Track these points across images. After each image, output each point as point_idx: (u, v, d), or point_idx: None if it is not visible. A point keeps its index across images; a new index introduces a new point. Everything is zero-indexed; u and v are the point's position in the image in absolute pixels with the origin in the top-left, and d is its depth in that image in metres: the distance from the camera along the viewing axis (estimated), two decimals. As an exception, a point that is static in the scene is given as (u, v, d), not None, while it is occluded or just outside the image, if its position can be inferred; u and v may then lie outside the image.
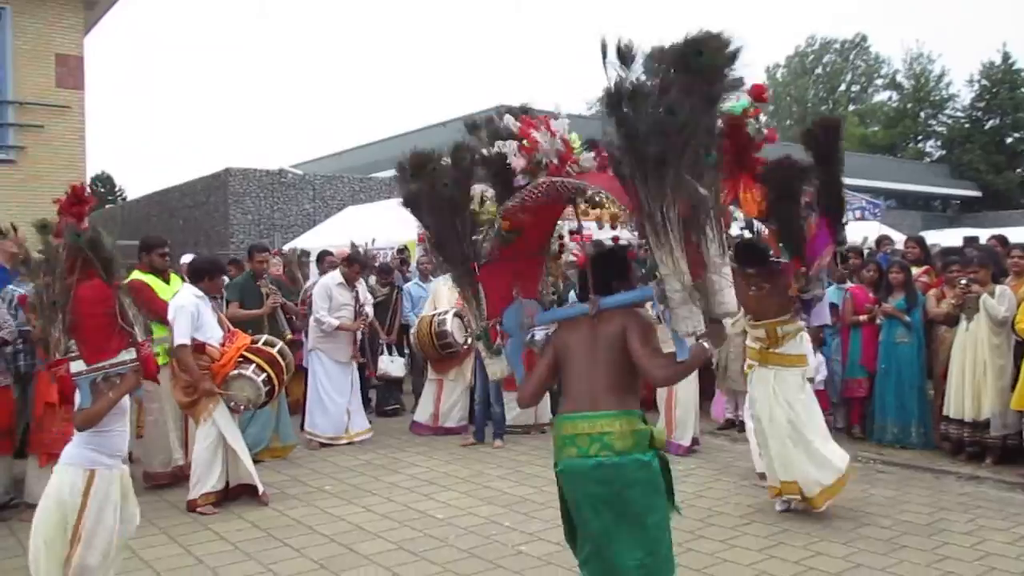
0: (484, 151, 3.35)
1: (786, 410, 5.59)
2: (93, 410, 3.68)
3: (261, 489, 6.08)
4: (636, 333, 3.11)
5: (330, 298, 8.09)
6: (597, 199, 3.50)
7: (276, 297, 7.82)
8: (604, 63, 2.84)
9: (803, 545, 5.06)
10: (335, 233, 13.69)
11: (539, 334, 3.55)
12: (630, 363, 3.12)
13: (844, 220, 5.53)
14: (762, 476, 6.19)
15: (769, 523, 5.49)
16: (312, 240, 14.00)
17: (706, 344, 2.99)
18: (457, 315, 8.04)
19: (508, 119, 3.30)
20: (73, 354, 3.73)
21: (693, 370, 3.18)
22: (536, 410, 8.44)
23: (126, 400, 3.87)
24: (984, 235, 12.89)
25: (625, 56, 2.81)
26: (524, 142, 3.24)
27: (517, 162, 3.24)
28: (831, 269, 5.86)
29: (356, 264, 8.46)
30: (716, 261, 2.93)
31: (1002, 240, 9.14)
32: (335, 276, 8.30)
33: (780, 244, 5.35)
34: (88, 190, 4.16)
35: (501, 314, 3.51)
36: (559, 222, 3.94)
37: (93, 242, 3.77)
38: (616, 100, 2.82)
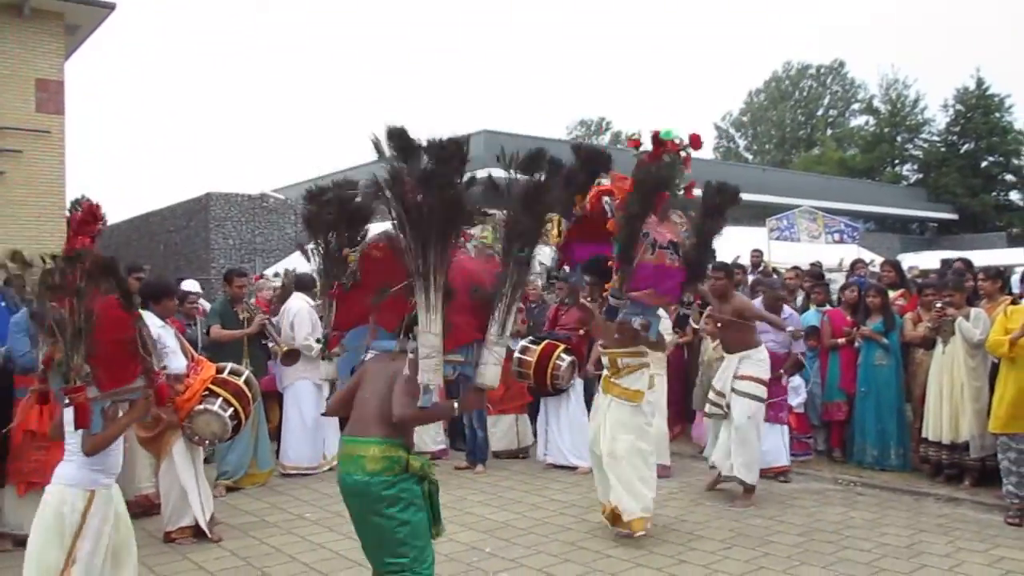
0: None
1: (608, 441, 5.67)
2: (103, 436, 3.70)
3: (206, 529, 5.85)
4: (403, 378, 3.42)
5: (313, 323, 8.06)
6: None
7: (262, 316, 7.77)
8: (380, 155, 3.47)
9: (783, 569, 5.07)
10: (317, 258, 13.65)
11: (369, 356, 3.91)
12: None
13: (694, 286, 5.70)
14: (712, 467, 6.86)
15: (750, 547, 5.50)
16: (294, 265, 13.98)
17: (455, 404, 3.61)
18: (572, 358, 7.81)
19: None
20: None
21: (428, 420, 3.71)
22: (518, 435, 8.44)
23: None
24: (961, 257, 13.07)
25: (405, 149, 3.41)
26: None
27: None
28: (669, 310, 6.03)
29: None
30: (491, 339, 3.50)
31: (967, 264, 9.28)
32: (308, 299, 8.25)
33: (614, 239, 5.14)
34: (100, 208, 4.04)
35: (348, 330, 3.95)
36: None
37: (110, 268, 3.76)
38: (394, 186, 3.36)
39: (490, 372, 3.51)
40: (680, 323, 6.30)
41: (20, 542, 5.09)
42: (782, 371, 7.39)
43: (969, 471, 6.83)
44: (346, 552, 5.57)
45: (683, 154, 5.20)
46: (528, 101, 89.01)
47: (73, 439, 3.71)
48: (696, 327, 8.44)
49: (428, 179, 3.29)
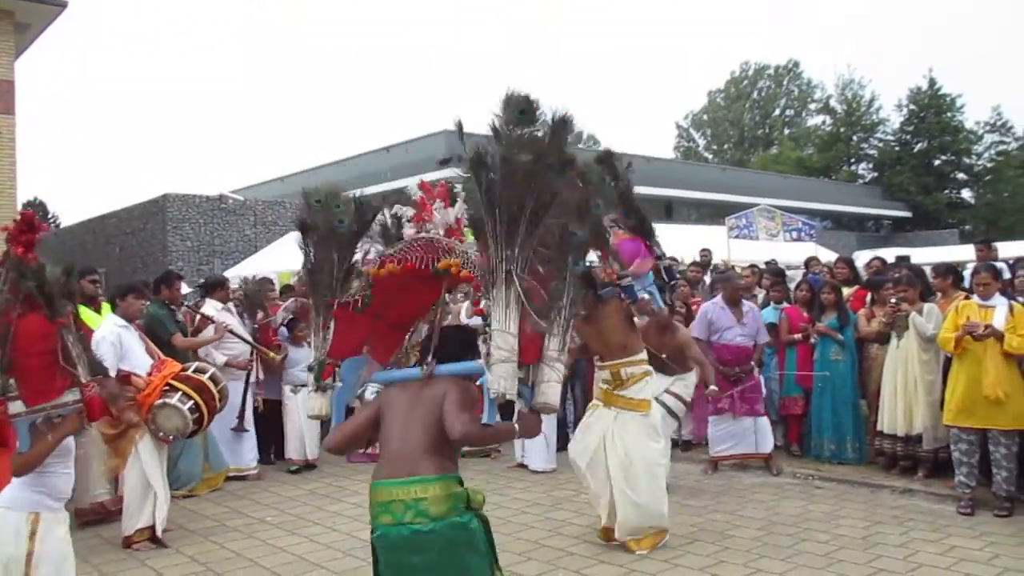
0: (385, 211, 3.55)
1: (620, 456, 5.40)
2: (32, 453, 3.45)
3: (160, 534, 5.80)
4: (455, 395, 3.03)
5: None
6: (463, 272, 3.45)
7: (223, 325, 7.61)
8: (461, 137, 3.01)
9: (743, 563, 5.13)
10: (277, 259, 13.53)
11: (370, 391, 3.57)
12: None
13: (655, 242, 5.65)
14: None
15: (711, 541, 5.57)
16: (254, 266, 13.82)
17: (516, 427, 3.09)
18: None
19: (412, 188, 3.58)
20: (12, 394, 3.47)
21: (492, 440, 3.37)
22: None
23: (70, 440, 3.66)
24: (915, 254, 13.37)
25: (497, 130, 2.93)
26: (419, 212, 3.49)
27: (408, 231, 3.49)
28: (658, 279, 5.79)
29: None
30: (552, 355, 3.04)
31: (903, 260, 9.64)
32: (218, 303, 8.11)
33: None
34: (38, 217, 3.81)
35: (342, 359, 3.52)
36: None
37: (37, 275, 3.52)
38: (479, 164, 2.93)
39: (552, 391, 3.05)
40: (668, 273, 6.15)
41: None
42: (752, 363, 7.51)
43: (923, 463, 6.98)
44: (307, 555, 5.53)
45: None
46: (489, 100, 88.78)
47: None
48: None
49: (539, 159, 2.90)
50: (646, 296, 5.46)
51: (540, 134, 2.93)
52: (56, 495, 3.60)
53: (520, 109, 2.91)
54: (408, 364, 3.57)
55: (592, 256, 5.03)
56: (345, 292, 3.44)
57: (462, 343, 3.34)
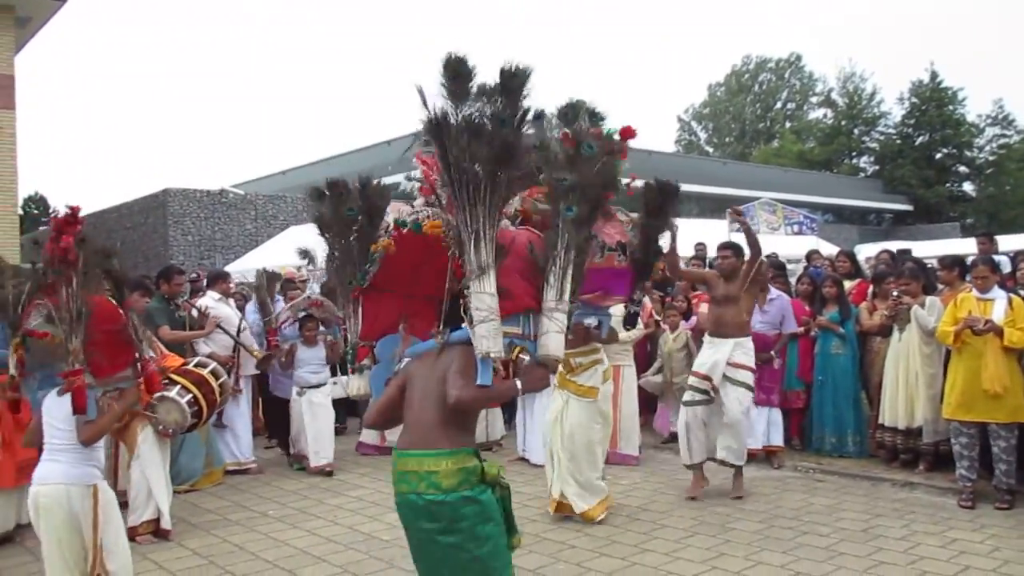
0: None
1: (566, 439, 5.96)
2: (99, 423, 3.76)
3: (167, 527, 5.83)
4: (457, 363, 3.07)
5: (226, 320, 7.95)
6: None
7: (214, 319, 7.60)
8: (423, 101, 2.97)
9: (744, 555, 5.15)
10: (278, 254, 13.54)
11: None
12: None
13: (643, 284, 5.38)
14: (689, 467, 6.65)
15: (712, 535, 5.58)
16: (255, 261, 13.83)
17: (518, 383, 3.11)
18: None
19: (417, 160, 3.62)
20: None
21: (493, 400, 3.40)
22: (487, 427, 8.46)
23: None
24: (916, 247, 13.36)
25: (452, 90, 2.94)
26: (424, 184, 3.53)
27: (418, 201, 3.56)
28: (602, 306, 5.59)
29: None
30: (549, 305, 3.08)
31: (895, 254, 9.67)
32: (216, 295, 8.08)
33: None
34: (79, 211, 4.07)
35: (377, 339, 3.65)
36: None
37: (105, 261, 3.94)
38: (435, 128, 2.95)
39: (553, 341, 3.08)
40: (630, 321, 6.25)
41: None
42: (772, 352, 7.50)
43: (924, 456, 6.98)
44: (309, 548, 5.54)
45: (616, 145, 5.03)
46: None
47: (59, 438, 3.72)
48: (658, 319, 8.53)
49: (482, 116, 2.92)
50: (591, 321, 5.29)
51: (493, 91, 2.95)
52: (101, 466, 3.91)
53: (454, 72, 2.93)
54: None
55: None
56: (364, 277, 3.53)
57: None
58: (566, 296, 3.12)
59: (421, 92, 2.96)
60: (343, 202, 3.61)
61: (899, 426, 7.07)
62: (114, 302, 3.97)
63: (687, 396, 6.58)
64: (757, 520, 5.89)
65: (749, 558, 5.10)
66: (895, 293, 7.15)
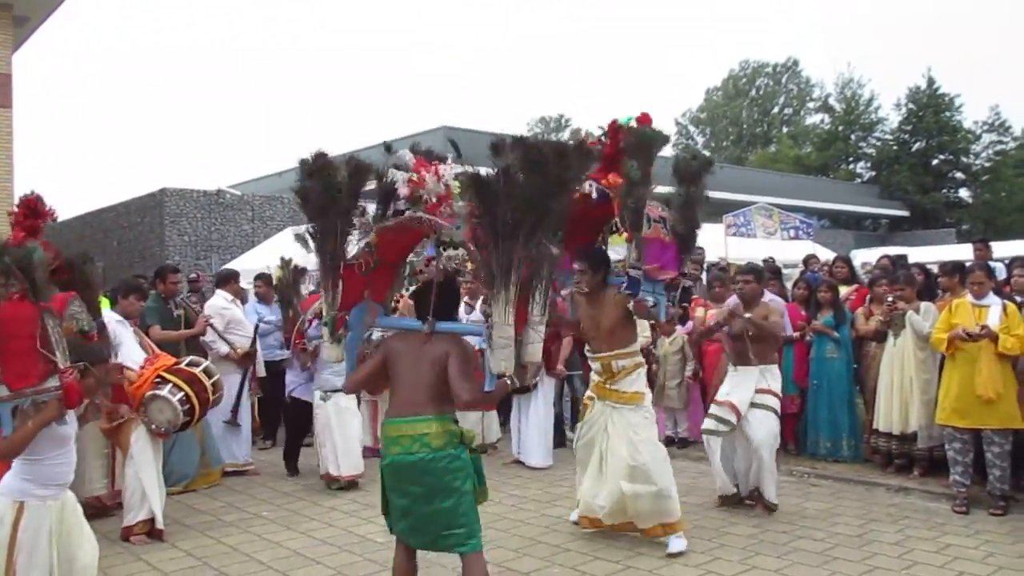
0: (380, 173, 3.95)
1: (628, 453, 5.33)
2: (14, 439, 3.47)
3: (160, 528, 5.80)
4: (457, 360, 3.71)
5: (228, 322, 7.95)
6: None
7: (203, 319, 7.57)
8: (458, 153, 3.88)
9: (739, 560, 5.15)
10: (275, 254, 13.50)
11: (376, 335, 4.17)
12: (447, 380, 3.70)
13: (687, 258, 5.56)
14: (722, 499, 6.36)
15: (706, 539, 5.58)
16: (251, 261, 13.80)
17: (511, 382, 3.68)
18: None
19: (406, 155, 3.93)
20: None
21: (495, 400, 4.09)
22: (484, 430, 8.46)
23: (71, 428, 3.69)
24: (913, 253, 13.38)
25: (496, 148, 3.56)
26: (414, 177, 3.83)
27: (403, 190, 3.84)
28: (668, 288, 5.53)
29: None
30: (534, 319, 3.70)
31: (896, 259, 9.70)
32: (228, 295, 8.14)
33: (621, 212, 5.04)
34: (42, 203, 3.92)
35: (350, 309, 4.07)
36: None
37: (23, 259, 3.56)
38: (481, 184, 3.51)
39: (535, 349, 3.71)
40: (684, 297, 5.98)
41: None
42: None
43: (918, 461, 6.99)
44: (303, 550, 5.54)
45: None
46: (487, 97, 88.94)
47: None
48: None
49: (542, 185, 3.46)
50: (649, 300, 5.25)
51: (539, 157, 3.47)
52: (46, 482, 3.59)
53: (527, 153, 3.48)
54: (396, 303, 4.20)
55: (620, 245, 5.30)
56: (347, 253, 3.94)
57: (453, 300, 4.07)
58: (545, 311, 3.74)
59: (454, 144, 3.82)
60: (329, 178, 3.88)
61: (893, 431, 7.08)
62: (32, 306, 3.56)
63: (709, 425, 6.21)
64: (751, 525, 5.89)
65: (743, 562, 5.11)
66: (889, 298, 7.16)
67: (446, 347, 3.75)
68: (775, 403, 6.16)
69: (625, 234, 5.06)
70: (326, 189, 3.87)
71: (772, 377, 6.23)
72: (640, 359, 5.62)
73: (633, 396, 5.47)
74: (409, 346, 3.85)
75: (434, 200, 3.83)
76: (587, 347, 5.78)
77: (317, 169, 3.90)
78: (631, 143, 5.05)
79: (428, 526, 3.78)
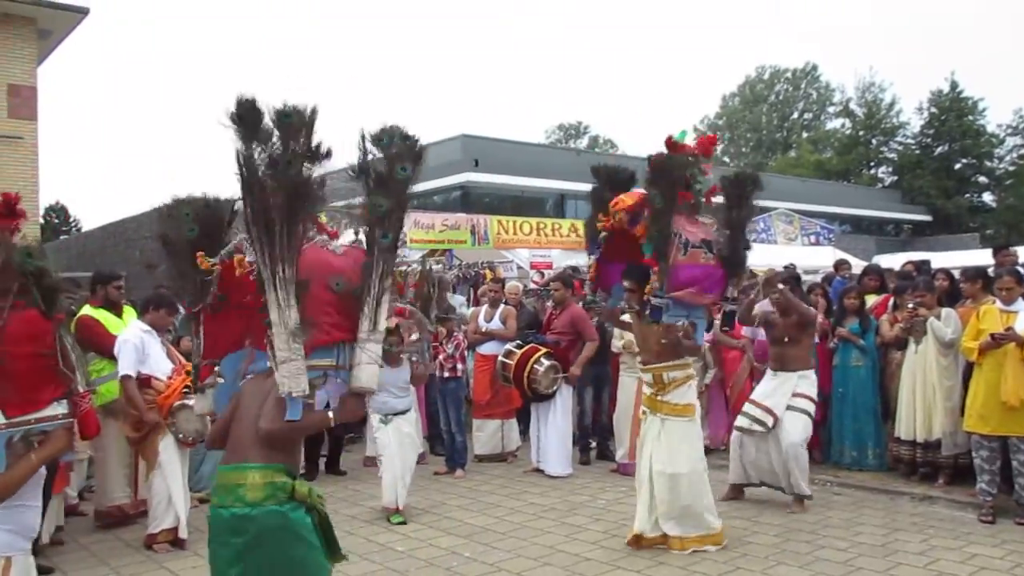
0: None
1: (667, 463, 5.46)
2: (9, 476, 2.86)
3: (183, 536, 5.83)
4: (276, 390, 3.02)
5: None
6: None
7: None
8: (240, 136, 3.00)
9: (761, 569, 5.10)
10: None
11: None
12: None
13: (736, 280, 5.45)
14: (734, 488, 6.70)
15: (728, 548, 5.53)
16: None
17: (330, 414, 3.13)
18: (552, 362, 7.71)
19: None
20: None
21: (303, 432, 3.19)
22: (503, 439, 8.44)
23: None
24: (935, 259, 13.23)
25: (253, 123, 2.95)
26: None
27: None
28: (707, 312, 5.68)
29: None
30: (362, 336, 3.09)
31: (920, 265, 9.60)
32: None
33: (646, 241, 5.09)
34: (19, 201, 3.42)
35: (221, 357, 3.57)
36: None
37: (37, 266, 3.01)
38: (245, 168, 2.96)
39: (365, 373, 3.10)
40: (726, 321, 6.10)
41: None
42: None
43: (943, 469, 6.90)
44: (324, 559, 5.53)
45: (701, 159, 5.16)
46: (506, 105, 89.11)
47: None
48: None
49: (274, 157, 2.95)
50: (681, 322, 5.26)
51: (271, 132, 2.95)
52: (28, 533, 3.03)
53: (242, 116, 2.93)
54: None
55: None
56: (205, 298, 3.46)
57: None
58: (380, 327, 3.13)
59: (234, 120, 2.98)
60: (185, 221, 3.53)
61: (916, 439, 7.00)
62: (45, 319, 3.02)
63: (743, 423, 6.57)
64: (773, 534, 5.84)
65: (765, 572, 5.06)
66: (910, 305, 7.09)
67: (275, 379, 3.05)
68: (811, 407, 6.48)
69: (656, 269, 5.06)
70: (178, 230, 3.53)
71: (809, 384, 6.55)
72: (691, 371, 5.67)
73: (685, 408, 5.55)
74: (255, 385, 3.23)
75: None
76: (639, 359, 5.95)
77: (171, 215, 3.58)
78: (657, 172, 5.08)
79: None
